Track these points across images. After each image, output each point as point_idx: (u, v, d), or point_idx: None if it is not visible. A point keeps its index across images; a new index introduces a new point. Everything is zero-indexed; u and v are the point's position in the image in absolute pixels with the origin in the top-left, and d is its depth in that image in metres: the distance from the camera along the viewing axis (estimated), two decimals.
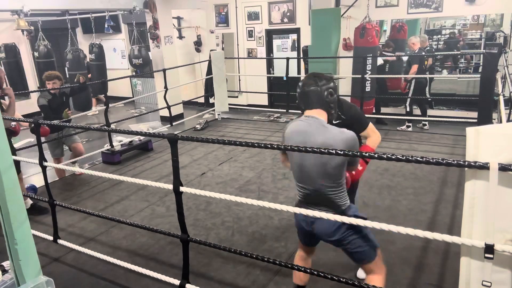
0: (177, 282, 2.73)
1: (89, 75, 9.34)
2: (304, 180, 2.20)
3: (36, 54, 8.12)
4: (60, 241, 3.42)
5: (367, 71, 6.86)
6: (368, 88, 6.97)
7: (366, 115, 6.99)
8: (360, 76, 6.78)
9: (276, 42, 9.01)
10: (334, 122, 2.57)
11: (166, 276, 2.81)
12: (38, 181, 5.12)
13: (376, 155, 1.85)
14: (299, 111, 2.28)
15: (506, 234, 1.61)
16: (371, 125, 2.74)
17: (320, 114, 2.16)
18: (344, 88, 7.39)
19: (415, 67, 6.39)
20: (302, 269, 2.32)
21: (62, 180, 5.29)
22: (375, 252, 2.23)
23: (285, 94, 7.75)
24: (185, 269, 2.70)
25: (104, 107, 6.06)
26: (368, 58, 6.78)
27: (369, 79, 6.91)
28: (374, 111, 7.27)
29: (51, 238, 3.49)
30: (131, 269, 2.99)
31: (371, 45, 6.80)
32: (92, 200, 4.59)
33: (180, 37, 10.04)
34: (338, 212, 2.13)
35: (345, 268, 3.04)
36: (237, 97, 9.45)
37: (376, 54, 6.94)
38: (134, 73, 10.33)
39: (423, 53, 6.58)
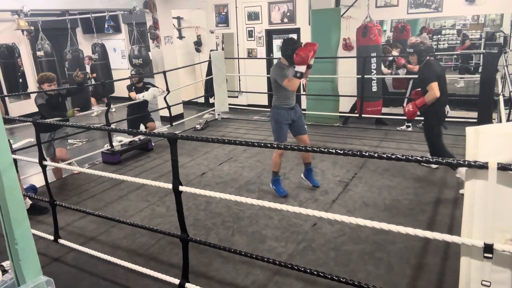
0: (177, 281, 2.73)
1: (94, 75, 9.36)
2: None
3: (38, 53, 8.14)
4: (61, 241, 3.44)
5: (372, 70, 6.84)
6: (374, 88, 6.94)
7: (373, 116, 6.97)
8: (360, 76, 6.78)
9: (276, 42, 9.01)
10: None
11: (166, 276, 2.82)
12: (38, 181, 5.12)
13: (376, 155, 1.85)
14: None
15: (506, 234, 1.61)
16: None
17: (282, 59, 4.14)
18: (346, 88, 7.38)
19: (416, 68, 6.39)
20: (302, 269, 2.32)
21: (62, 180, 5.29)
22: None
23: None
24: (185, 269, 2.71)
25: (106, 107, 6.07)
26: (370, 58, 6.77)
27: (375, 78, 6.89)
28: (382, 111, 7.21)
29: (51, 238, 3.49)
30: (131, 269, 3.00)
31: (374, 43, 6.79)
32: (92, 200, 4.59)
33: (180, 37, 10.05)
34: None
35: (345, 268, 3.04)
36: (237, 97, 9.45)
37: (380, 52, 6.92)
38: (131, 73, 10.33)
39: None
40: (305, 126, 4.52)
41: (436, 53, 7.32)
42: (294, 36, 8.68)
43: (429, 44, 7.08)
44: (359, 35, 6.95)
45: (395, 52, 7.16)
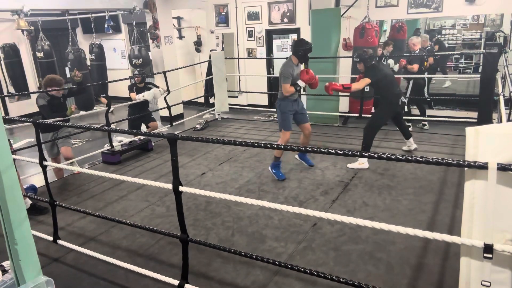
0: (176, 282, 2.73)
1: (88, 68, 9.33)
2: None
3: (38, 54, 8.14)
4: (60, 242, 3.43)
5: None
6: (367, 88, 6.93)
7: (369, 116, 6.99)
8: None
9: (276, 42, 9.01)
10: None
11: (165, 276, 2.81)
12: (38, 181, 5.12)
13: (376, 155, 1.85)
14: None
15: (506, 234, 1.61)
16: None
17: (293, 58, 4.58)
18: None
19: (416, 67, 6.40)
20: (302, 269, 2.32)
21: (62, 180, 5.29)
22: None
23: None
24: (184, 270, 2.71)
25: (106, 107, 6.07)
26: None
27: None
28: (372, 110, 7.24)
29: (51, 238, 3.49)
30: (131, 269, 3.00)
31: (371, 45, 6.80)
32: (92, 200, 4.59)
33: (180, 37, 10.05)
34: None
35: (345, 268, 3.04)
36: (237, 97, 9.45)
37: (376, 53, 6.92)
38: (134, 74, 10.34)
39: (423, 54, 6.58)
40: (307, 115, 4.98)
41: (435, 53, 7.34)
42: (294, 36, 8.70)
43: (371, 52, 7.13)
44: (357, 36, 6.95)
45: (390, 49, 7.19)
